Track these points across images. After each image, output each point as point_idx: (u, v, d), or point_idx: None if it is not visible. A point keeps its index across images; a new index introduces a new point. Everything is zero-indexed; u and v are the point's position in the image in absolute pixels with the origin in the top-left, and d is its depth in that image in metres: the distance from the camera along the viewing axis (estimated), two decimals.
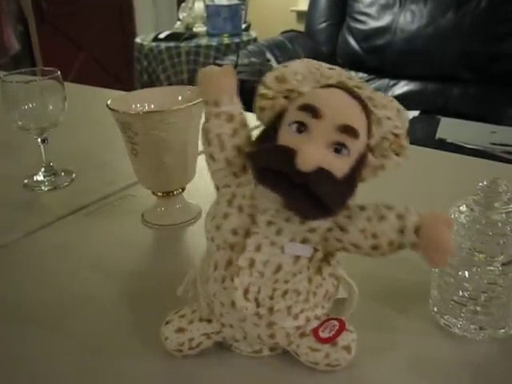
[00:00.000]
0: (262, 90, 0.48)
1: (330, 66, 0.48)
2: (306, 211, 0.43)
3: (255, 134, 0.48)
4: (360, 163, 0.44)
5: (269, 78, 0.48)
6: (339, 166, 0.42)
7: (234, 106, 0.50)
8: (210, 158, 0.49)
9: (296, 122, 0.43)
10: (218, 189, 0.50)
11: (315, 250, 0.46)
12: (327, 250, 0.47)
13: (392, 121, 0.46)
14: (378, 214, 0.44)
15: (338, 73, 0.47)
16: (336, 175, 0.42)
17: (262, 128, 0.47)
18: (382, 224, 0.44)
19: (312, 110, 0.42)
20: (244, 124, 0.50)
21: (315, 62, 0.49)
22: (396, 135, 0.46)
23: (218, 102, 0.49)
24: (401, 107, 0.47)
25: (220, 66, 0.51)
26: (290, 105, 0.45)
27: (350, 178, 0.44)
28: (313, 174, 0.41)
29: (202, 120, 0.51)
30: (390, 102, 0.47)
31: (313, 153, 0.41)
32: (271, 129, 0.45)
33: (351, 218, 0.45)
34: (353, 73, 2.71)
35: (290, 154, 0.41)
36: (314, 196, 0.41)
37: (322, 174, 0.41)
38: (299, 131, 0.42)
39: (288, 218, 0.45)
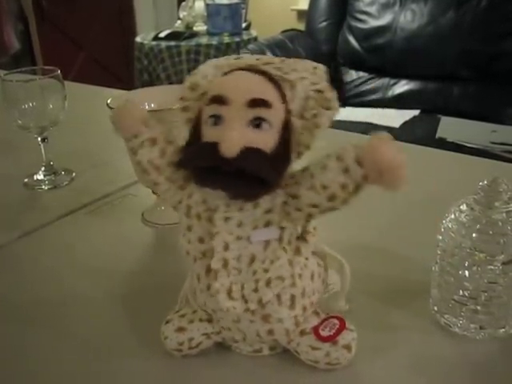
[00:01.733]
0: (180, 104, 0.49)
1: (237, 56, 0.49)
2: (248, 193, 0.44)
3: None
4: (286, 130, 0.44)
5: (183, 90, 0.48)
6: (264, 140, 0.43)
7: (152, 129, 0.50)
8: (154, 184, 0.50)
9: (210, 116, 0.43)
10: (174, 208, 0.50)
11: (282, 228, 0.46)
12: (294, 224, 0.47)
13: (307, 79, 0.45)
14: (320, 166, 0.44)
15: (245, 58, 0.48)
16: (264, 149, 0.42)
17: (187, 135, 0.47)
18: (326, 173, 0.43)
19: (219, 100, 0.43)
20: (169, 140, 0.50)
21: (223, 58, 0.49)
22: (318, 91, 0.45)
23: (136, 135, 0.50)
24: (316, 64, 0.47)
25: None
26: (202, 104, 0.45)
27: (281, 148, 0.44)
28: (240, 156, 0.41)
29: None
30: (301, 64, 0.47)
31: (233, 137, 0.41)
32: (195, 132, 0.45)
33: (298, 182, 0.45)
34: (353, 72, 2.71)
35: (213, 147, 0.42)
36: (249, 176, 0.41)
37: (249, 152, 0.42)
38: (215, 124, 0.43)
39: (240, 207, 0.45)
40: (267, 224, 0.45)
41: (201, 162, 0.43)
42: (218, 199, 0.45)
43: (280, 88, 0.44)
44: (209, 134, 0.43)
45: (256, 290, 0.46)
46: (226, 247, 0.45)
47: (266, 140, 0.43)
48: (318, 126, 0.45)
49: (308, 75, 0.46)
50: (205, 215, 0.47)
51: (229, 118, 0.42)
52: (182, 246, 0.49)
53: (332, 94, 0.45)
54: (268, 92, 0.43)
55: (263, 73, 0.44)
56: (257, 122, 0.42)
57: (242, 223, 0.45)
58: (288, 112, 0.45)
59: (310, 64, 0.47)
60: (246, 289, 0.46)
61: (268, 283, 0.46)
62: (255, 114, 0.42)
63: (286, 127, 0.44)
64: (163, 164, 0.49)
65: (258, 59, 0.47)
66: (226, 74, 0.46)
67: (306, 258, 0.48)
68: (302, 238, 0.48)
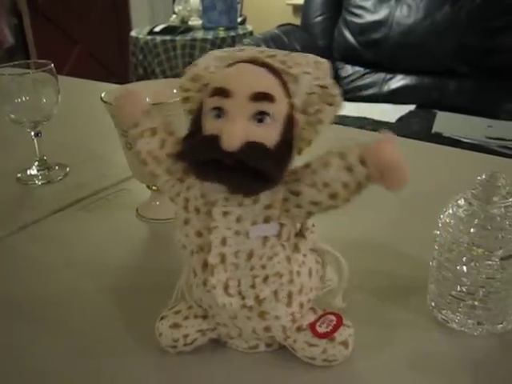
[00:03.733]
0: (181, 94, 0.48)
1: (240, 48, 0.48)
2: (249, 188, 0.43)
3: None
4: (289, 125, 0.43)
5: (184, 80, 0.48)
6: (266, 134, 0.42)
7: (152, 119, 0.50)
8: (153, 175, 0.50)
9: (212, 108, 0.43)
10: (172, 200, 0.50)
11: (281, 224, 0.45)
12: (294, 221, 0.46)
13: (311, 74, 0.45)
14: (322, 163, 0.43)
15: (248, 50, 0.47)
16: (266, 144, 0.42)
17: (188, 127, 0.47)
18: (328, 170, 0.43)
19: (222, 92, 0.42)
20: (170, 131, 0.50)
21: (223, 49, 0.49)
22: (322, 86, 0.45)
23: (136, 124, 0.50)
24: (320, 59, 0.46)
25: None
26: (204, 96, 0.45)
27: (283, 142, 0.43)
28: (242, 150, 0.41)
29: None
30: (305, 58, 0.46)
31: (235, 130, 0.41)
32: (196, 124, 0.45)
33: (300, 179, 0.44)
34: (349, 67, 2.71)
35: (214, 140, 0.41)
36: (251, 170, 0.41)
37: (251, 146, 0.41)
38: (218, 116, 0.42)
39: (240, 202, 0.44)
40: (266, 220, 0.45)
41: (201, 155, 0.42)
42: (217, 193, 0.45)
43: (284, 82, 0.44)
44: (210, 126, 0.43)
45: (253, 286, 0.46)
46: (224, 242, 0.45)
47: (269, 134, 0.42)
48: (320, 121, 0.45)
49: (312, 70, 0.45)
50: (203, 209, 0.46)
51: (231, 111, 0.42)
52: (179, 239, 0.48)
53: (336, 90, 0.45)
54: (272, 86, 0.43)
55: (267, 66, 0.44)
56: (259, 117, 0.42)
57: (240, 218, 0.45)
58: (291, 107, 0.44)
59: (313, 58, 0.46)
60: (243, 285, 0.46)
61: (265, 279, 0.45)
62: (258, 108, 0.42)
63: (289, 122, 0.43)
64: (162, 155, 0.49)
65: (261, 52, 0.46)
66: (229, 66, 0.45)
67: (304, 255, 0.48)
68: (300, 234, 0.48)
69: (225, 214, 0.45)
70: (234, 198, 0.44)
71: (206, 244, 0.46)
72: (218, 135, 0.41)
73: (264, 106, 0.42)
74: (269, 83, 0.43)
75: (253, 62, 0.44)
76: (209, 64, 0.47)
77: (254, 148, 0.41)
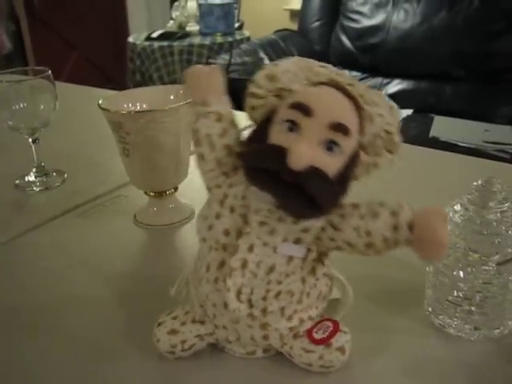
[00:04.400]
0: (252, 88, 0.47)
1: (321, 64, 0.48)
2: (298, 211, 0.43)
3: (246, 133, 0.47)
4: (352, 161, 0.44)
5: (259, 76, 0.47)
6: (331, 165, 0.42)
7: (223, 105, 0.49)
8: (201, 158, 0.49)
9: (287, 120, 0.42)
10: (209, 189, 0.49)
11: (308, 250, 0.46)
12: (321, 250, 0.47)
13: (384, 118, 0.45)
14: (371, 211, 0.44)
15: (328, 70, 0.47)
16: (328, 174, 0.42)
17: (253, 127, 0.47)
18: (376, 221, 0.44)
19: (303, 109, 0.42)
20: (233, 123, 0.49)
21: (305, 59, 0.48)
22: (388, 132, 0.45)
23: (206, 102, 0.49)
24: (393, 104, 0.47)
25: (209, 64, 0.50)
26: (281, 103, 0.44)
27: (343, 177, 0.43)
28: (304, 173, 0.40)
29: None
30: (381, 98, 0.46)
31: (304, 151, 0.40)
32: (262, 128, 0.44)
33: (344, 216, 0.45)
34: (346, 71, 2.70)
35: (281, 152, 0.41)
36: (306, 195, 0.40)
37: (314, 172, 0.41)
38: (290, 130, 0.42)
39: (280, 217, 0.44)
40: (297, 241, 0.45)
41: (264, 163, 0.41)
42: (261, 202, 0.44)
43: (361, 119, 0.44)
44: (280, 137, 0.42)
45: (264, 299, 0.46)
46: (251, 249, 0.45)
47: (333, 165, 0.42)
48: (376, 165, 0.46)
49: (385, 113, 0.45)
50: (239, 210, 0.46)
51: (306, 131, 0.41)
52: (200, 230, 0.48)
53: (399, 139, 0.45)
54: (352, 120, 0.43)
55: (353, 99, 0.43)
56: (330, 145, 0.42)
57: (274, 232, 0.45)
58: (359, 144, 0.44)
59: (387, 101, 0.46)
60: (255, 295, 0.46)
61: (277, 295, 0.46)
62: (332, 137, 0.42)
63: (354, 159, 0.44)
64: (219, 143, 0.48)
65: (340, 75, 0.46)
66: (312, 84, 0.44)
67: (317, 279, 0.48)
68: (318, 259, 0.48)
69: (261, 223, 0.45)
70: (276, 211, 0.44)
71: (230, 244, 0.46)
72: (285, 148, 0.41)
73: (339, 137, 0.42)
74: (351, 117, 0.43)
75: (337, 87, 0.43)
76: (290, 69, 0.46)
77: (317, 175, 0.41)
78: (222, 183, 0.48)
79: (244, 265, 0.45)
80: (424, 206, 0.44)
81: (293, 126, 0.42)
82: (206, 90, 0.49)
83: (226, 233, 0.46)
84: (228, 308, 0.46)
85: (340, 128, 0.42)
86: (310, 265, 0.47)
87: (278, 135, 0.43)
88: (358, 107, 0.44)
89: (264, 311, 0.46)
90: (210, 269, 0.48)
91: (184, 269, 0.54)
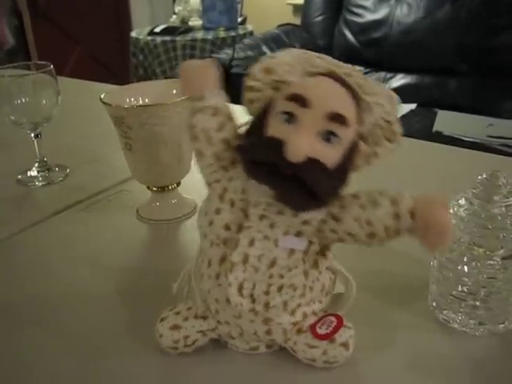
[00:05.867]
0: (249, 82, 0.46)
1: (318, 55, 0.47)
2: (297, 203, 0.43)
3: (244, 126, 0.47)
4: (351, 152, 0.43)
5: (256, 69, 0.46)
6: (330, 155, 0.42)
7: (219, 99, 0.49)
8: (199, 153, 0.48)
9: (284, 112, 0.42)
10: (209, 184, 0.49)
11: (310, 242, 0.45)
12: (323, 243, 0.46)
13: (383, 107, 0.45)
14: (372, 200, 0.44)
15: (326, 61, 0.46)
16: (327, 165, 0.41)
17: (250, 120, 0.46)
18: (376, 211, 0.43)
19: (300, 100, 0.41)
20: (230, 117, 0.49)
21: (303, 51, 0.47)
22: (388, 122, 0.45)
23: (201, 97, 0.48)
24: (392, 93, 0.46)
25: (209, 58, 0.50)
26: (278, 95, 0.44)
27: (342, 167, 0.43)
28: (303, 165, 0.40)
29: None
30: (380, 88, 0.46)
31: (302, 143, 0.40)
32: (260, 121, 0.44)
33: (345, 207, 0.44)
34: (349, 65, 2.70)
35: (279, 144, 0.40)
36: (305, 187, 0.40)
37: (313, 163, 0.41)
38: (288, 122, 0.42)
39: (280, 210, 0.44)
40: (298, 234, 0.45)
41: (262, 156, 0.41)
42: (261, 195, 0.44)
43: (360, 108, 0.43)
44: (278, 129, 0.42)
45: (267, 293, 0.45)
46: (252, 243, 0.45)
47: (332, 156, 0.42)
48: (376, 155, 0.45)
49: (384, 102, 0.45)
50: (239, 204, 0.45)
51: (303, 122, 0.41)
52: (201, 226, 0.47)
53: (399, 128, 0.45)
54: (349, 110, 0.42)
55: (350, 88, 0.43)
56: (328, 136, 0.41)
57: (274, 225, 0.44)
58: (358, 134, 0.44)
59: (386, 91, 0.46)
60: (257, 289, 0.45)
61: (280, 289, 0.45)
62: (330, 128, 0.41)
63: (353, 149, 0.43)
64: (216, 137, 0.47)
65: (338, 66, 0.45)
66: (309, 74, 0.44)
67: (320, 272, 0.48)
68: (321, 252, 0.47)
69: (261, 217, 0.44)
70: (276, 204, 0.44)
71: (230, 239, 0.45)
72: (283, 140, 0.40)
73: (336, 127, 0.41)
74: (348, 107, 0.42)
75: (334, 77, 0.43)
76: (286, 61, 0.46)
77: (315, 166, 0.41)
78: (221, 178, 0.47)
79: (245, 259, 0.45)
80: (424, 194, 0.43)
81: (290, 117, 0.42)
82: (201, 84, 0.49)
83: (227, 227, 0.46)
84: (230, 303, 0.46)
85: (338, 118, 0.41)
86: (312, 258, 0.46)
87: (275, 127, 0.42)
88: (356, 97, 0.43)
89: (266, 306, 0.46)
90: (211, 264, 0.47)
91: (186, 265, 0.53)
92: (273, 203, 0.44)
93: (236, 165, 0.47)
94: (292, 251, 0.45)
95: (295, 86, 0.43)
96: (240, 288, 0.45)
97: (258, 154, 0.42)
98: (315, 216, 0.44)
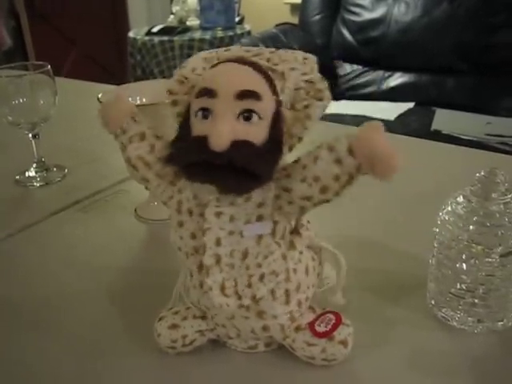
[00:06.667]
0: (170, 98, 0.48)
1: (226, 48, 0.48)
2: (238, 187, 0.43)
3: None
4: (276, 122, 0.43)
5: (171, 84, 0.47)
6: (254, 132, 0.42)
7: (140, 124, 0.50)
8: (144, 180, 0.50)
9: (199, 109, 0.42)
10: (165, 204, 0.49)
11: (275, 223, 0.45)
12: (287, 218, 0.46)
13: (297, 70, 0.45)
14: (311, 157, 0.43)
15: (234, 50, 0.47)
16: (254, 142, 0.41)
17: (176, 129, 0.46)
18: (318, 164, 0.42)
19: (207, 92, 0.42)
20: (158, 136, 0.50)
21: (214, 50, 0.49)
22: (310, 82, 0.45)
23: (124, 129, 0.50)
24: (307, 55, 0.46)
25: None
26: (191, 97, 0.44)
27: (273, 139, 0.43)
28: (230, 150, 0.40)
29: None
30: (291, 54, 0.46)
31: (221, 130, 0.40)
32: (184, 127, 0.44)
33: (291, 175, 0.44)
34: (347, 65, 2.70)
35: (202, 140, 0.41)
36: (240, 170, 0.40)
37: (239, 145, 0.41)
38: (205, 117, 0.42)
39: (232, 201, 0.44)
40: (260, 218, 0.44)
41: (190, 157, 0.42)
42: (208, 194, 0.44)
43: (270, 79, 0.43)
44: (198, 127, 0.42)
45: (249, 286, 0.45)
46: (218, 243, 0.45)
47: (257, 133, 0.42)
48: (309, 117, 0.44)
49: (298, 66, 0.45)
50: (196, 210, 0.46)
51: (218, 111, 0.41)
52: (174, 242, 0.48)
53: (323, 85, 0.45)
54: (257, 83, 0.42)
55: (252, 64, 0.43)
56: (246, 115, 0.41)
57: (233, 218, 0.44)
58: (279, 103, 0.43)
59: (300, 54, 0.46)
60: (240, 285, 0.45)
61: (261, 278, 0.45)
62: (244, 106, 0.41)
63: (277, 119, 0.43)
64: (152, 159, 0.49)
65: (247, 51, 0.46)
66: (214, 66, 0.45)
67: (301, 253, 0.48)
68: (295, 231, 0.48)
69: (218, 214, 0.44)
70: (225, 197, 0.44)
71: (200, 246, 0.45)
72: (206, 136, 0.41)
73: (250, 103, 0.41)
74: (254, 81, 0.42)
75: (238, 61, 0.44)
76: (197, 65, 0.47)
77: (242, 147, 0.41)
78: (172, 193, 0.48)
79: (218, 260, 0.45)
80: (358, 128, 0.42)
81: (206, 112, 0.42)
82: (119, 118, 0.50)
83: (193, 236, 0.46)
84: (214, 306, 0.46)
85: (248, 95, 0.41)
86: (287, 239, 0.46)
87: (197, 127, 0.43)
88: (264, 70, 0.43)
89: (254, 298, 0.46)
90: (193, 275, 0.48)
91: (175, 285, 0.54)
92: (221, 197, 0.44)
93: (180, 176, 0.47)
94: (260, 237, 0.45)
95: (200, 81, 0.44)
96: (223, 288, 0.45)
97: (188, 157, 0.42)
98: (268, 195, 0.44)
